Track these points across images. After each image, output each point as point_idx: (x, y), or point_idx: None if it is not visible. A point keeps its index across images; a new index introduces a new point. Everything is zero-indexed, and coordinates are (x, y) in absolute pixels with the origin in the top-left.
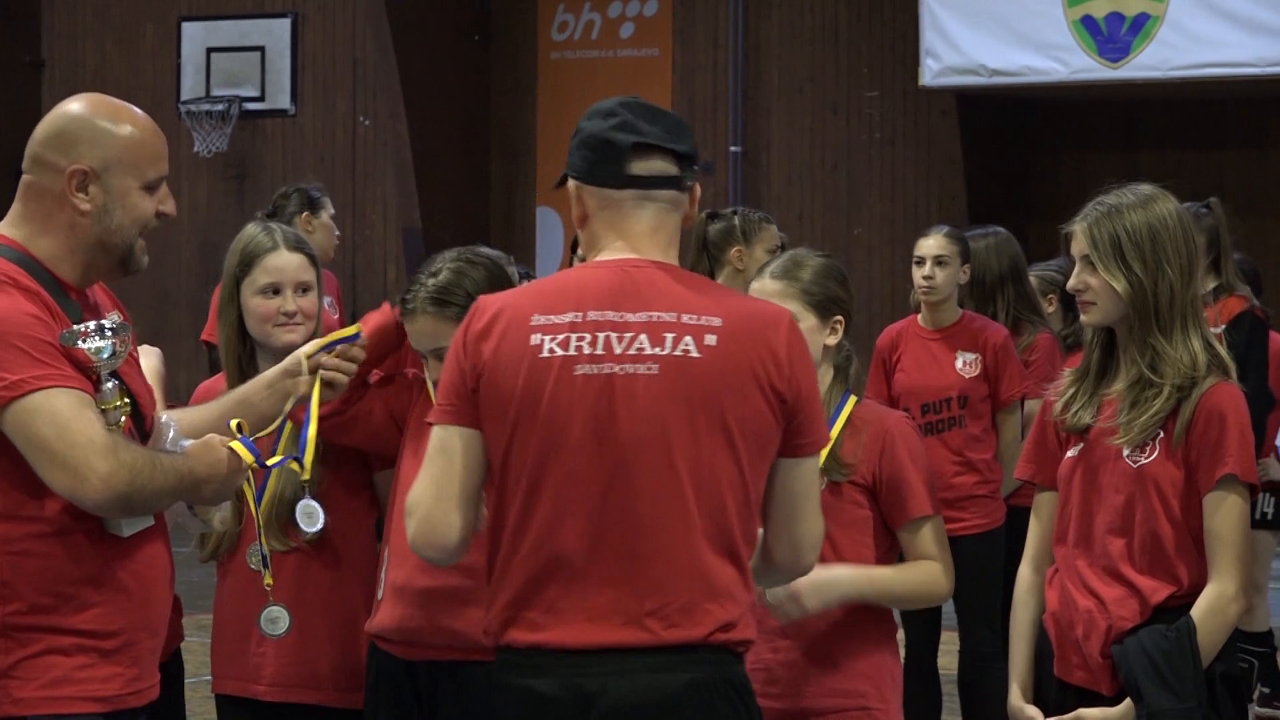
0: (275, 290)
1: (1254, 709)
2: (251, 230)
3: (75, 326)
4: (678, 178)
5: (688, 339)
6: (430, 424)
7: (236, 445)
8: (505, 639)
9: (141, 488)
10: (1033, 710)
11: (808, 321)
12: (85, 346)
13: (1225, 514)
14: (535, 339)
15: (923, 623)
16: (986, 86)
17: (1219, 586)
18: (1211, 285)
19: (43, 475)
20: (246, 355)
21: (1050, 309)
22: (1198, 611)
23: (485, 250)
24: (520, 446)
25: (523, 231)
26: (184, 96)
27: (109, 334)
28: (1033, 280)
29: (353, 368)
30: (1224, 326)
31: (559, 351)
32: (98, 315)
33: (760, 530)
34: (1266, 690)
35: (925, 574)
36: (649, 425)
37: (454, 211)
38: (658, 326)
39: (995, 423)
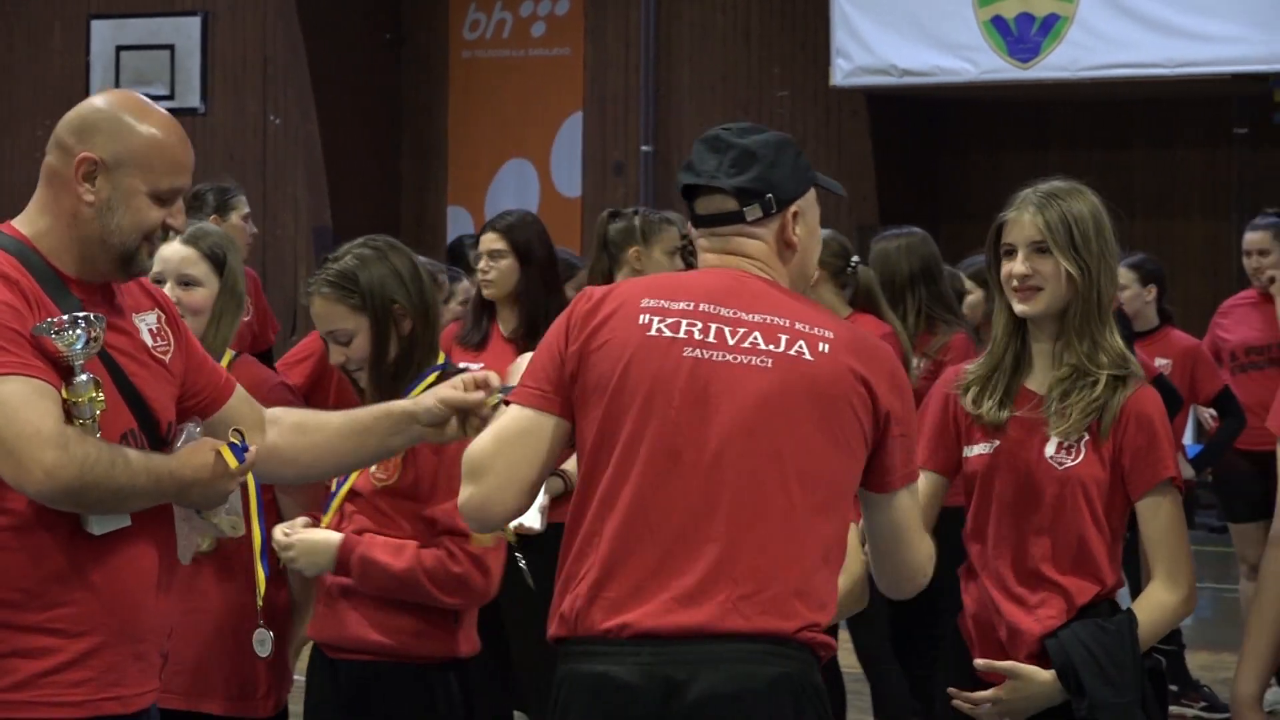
0: (159, 280)
1: None
2: None
3: (52, 319)
4: (737, 213)
5: (801, 343)
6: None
7: (224, 450)
8: (584, 624)
9: (96, 484)
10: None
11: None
12: (56, 337)
13: (1169, 516)
14: (644, 319)
15: None
16: (897, 86)
17: (1169, 589)
18: None
19: None
20: None
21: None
22: (1143, 608)
23: (403, 252)
24: (614, 420)
25: (434, 231)
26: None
27: (81, 325)
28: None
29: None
30: None
31: (668, 333)
32: (116, 312)
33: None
34: (1175, 688)
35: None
36: (759, 414)
37: (365, 211)
38: (772, 327)
39: None
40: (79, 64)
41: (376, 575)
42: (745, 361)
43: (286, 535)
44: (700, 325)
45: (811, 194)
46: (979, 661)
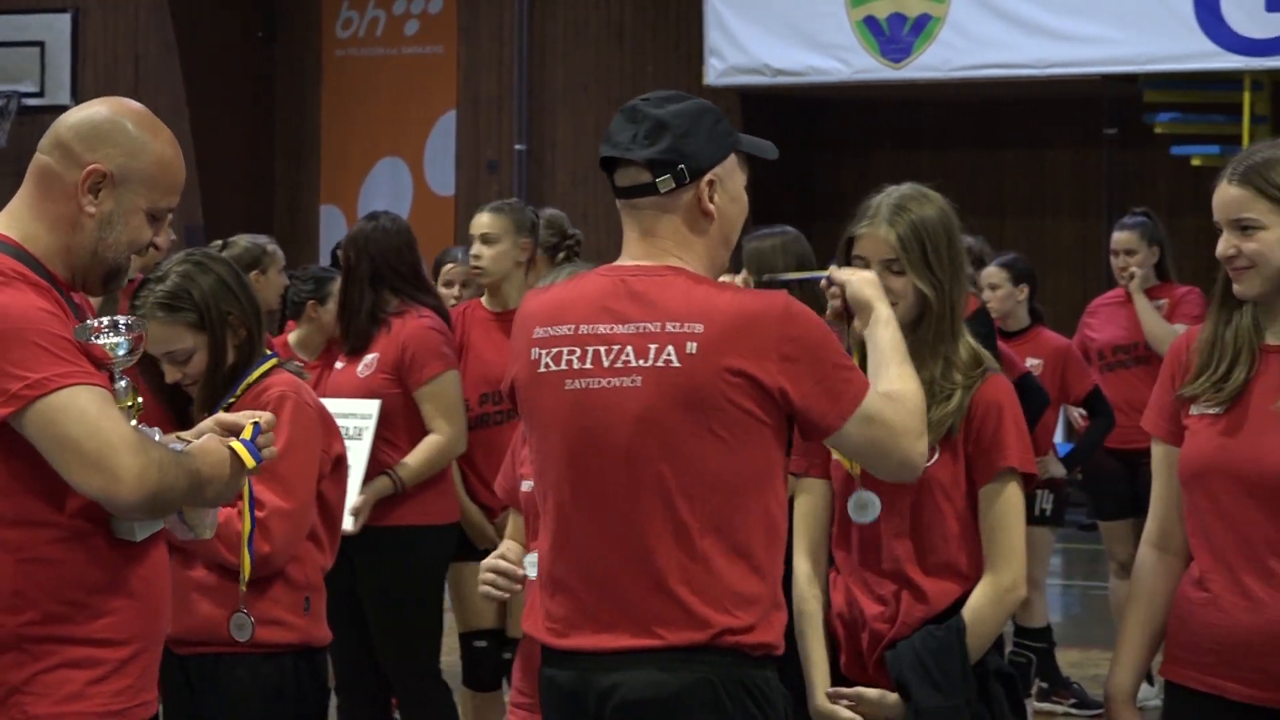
0: None
1: (1032, 704)
2: None
3: (89, 322)
4: (650, 184)
5: (670, 348)
6: None
7: (237, 446)
8: (541, 636)
9: (170, 486)
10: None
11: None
12: (102, 342)
13: (1002, 506)
14: (534, 353)
15: None
16: (770, 86)
17: (995, 578)
18: None
19: (70, 477)
20: None
21: None
22: (973, 605)
23: (221, 259)
24: (536, 463)
25: (306, 229)
26: None
27: (123, 330)
28: None
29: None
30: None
31: (552, 366)
32: (83, 319)
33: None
34: (1045, 685)
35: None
36: (635, 439)
37: (237, 209)
38: (644, 337)
39: None
40: None
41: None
42: (618, 385)
43: None
44: (579, 352)
45: (732, 160)
46: (829, 690)
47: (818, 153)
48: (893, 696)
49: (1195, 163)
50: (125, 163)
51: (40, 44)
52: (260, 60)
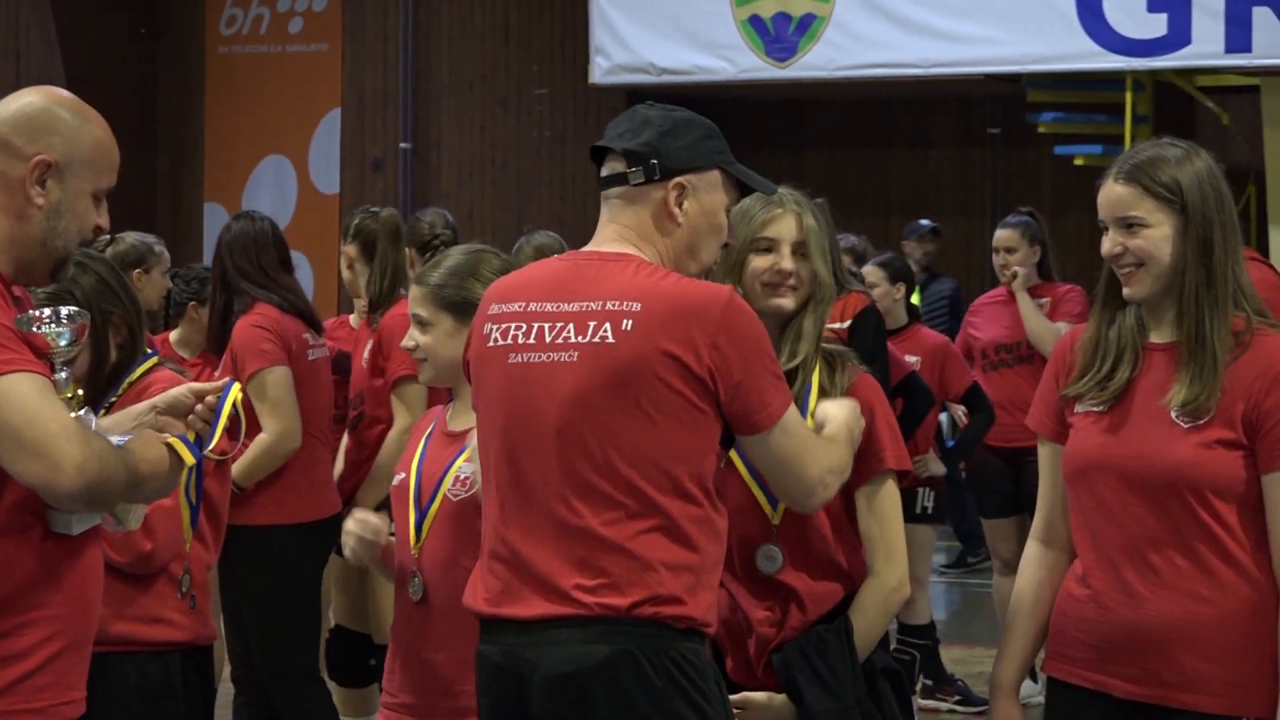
0: None
1: (917, 701)
2: None
3: (30, 311)
4: (622, 175)
5: (607, 325)
6: None
7: (176, 442)
8: (476, 608)
9: (108, 478)
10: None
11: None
12: (43, 332)
13: (880, 506)
14: (486, 328)
15: None
16: (656, 85)
17: (879, 578)
18: None
19: (9, 464)
20: None
21: None
22: (858, 604)
23: (100, 258)
24: (481, 437)
25: (190, 227)
26: None
27: (65, 320)
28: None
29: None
30: (849, 322)
31: (500, 341)
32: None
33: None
34: (929, 682)
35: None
36: (568, 411)
37: (121, 207)
38: (585, 315)
39: None
40: None
41: None
42: (556, 359)
43: None
44: (525, 328)
45: (714, 177)
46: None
47: None
48: (780, 698)
49: (1078, 162)
50: (68, 150)
51: None
52: (144, 58)
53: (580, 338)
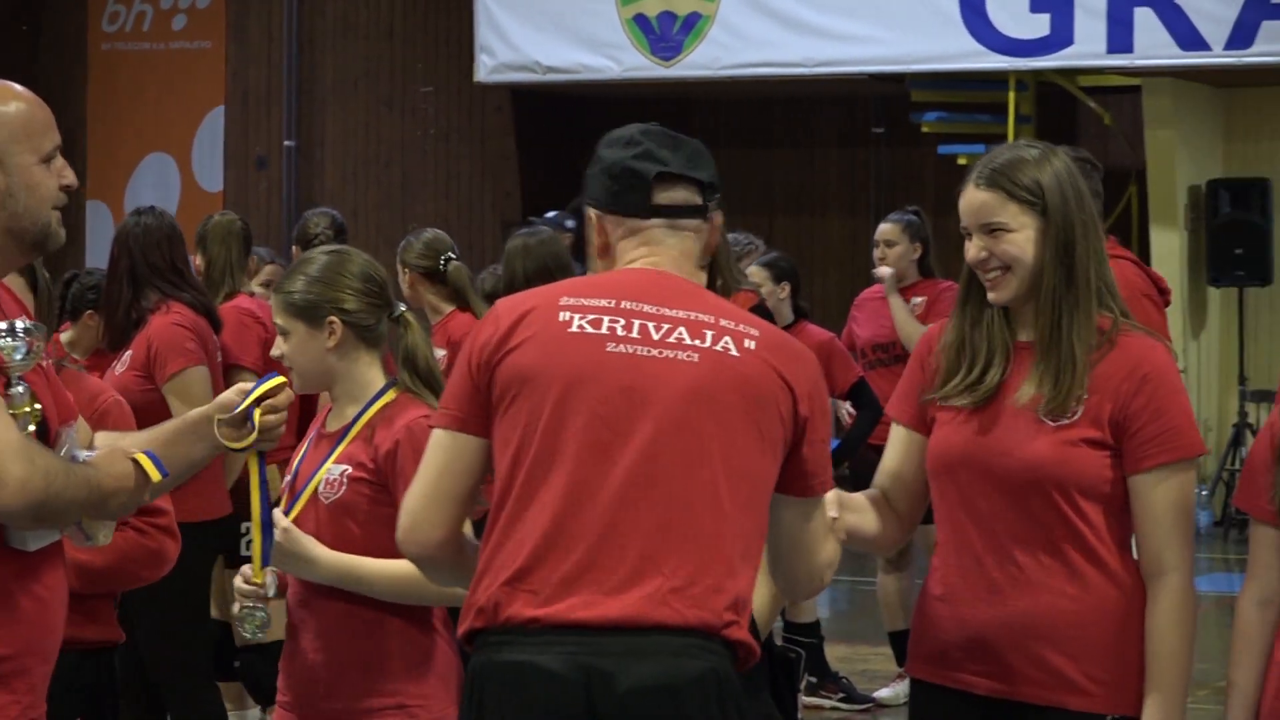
0: None
1: (801, 698)
2: None
3: None
4: (701, 206)
5: (727, 339)
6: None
7: (142, 459)
8: (504, 615)
9: (56, 496)
10: None
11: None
12: None
13: None
14: (564, 316)
15: None
16: (540, 83)
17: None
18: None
19: None
20: None
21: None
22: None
23: None
24: (535, 415)
25: (73, 225)
26: None
27: (20, 335)
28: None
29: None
30: None
31: (590, 329)
32: (3, 316)
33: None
34: (814, 680)
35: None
36: (687, 408)
37: None
38: (697, 323)
39: None
40: None
41: (84, 574)
42: (671, 356)
43: None
44: (623, 321)
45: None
46: None
47: (588, 150)
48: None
49: (961, 161)
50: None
51: None
52: (25, 53)
53: (698, 341)
